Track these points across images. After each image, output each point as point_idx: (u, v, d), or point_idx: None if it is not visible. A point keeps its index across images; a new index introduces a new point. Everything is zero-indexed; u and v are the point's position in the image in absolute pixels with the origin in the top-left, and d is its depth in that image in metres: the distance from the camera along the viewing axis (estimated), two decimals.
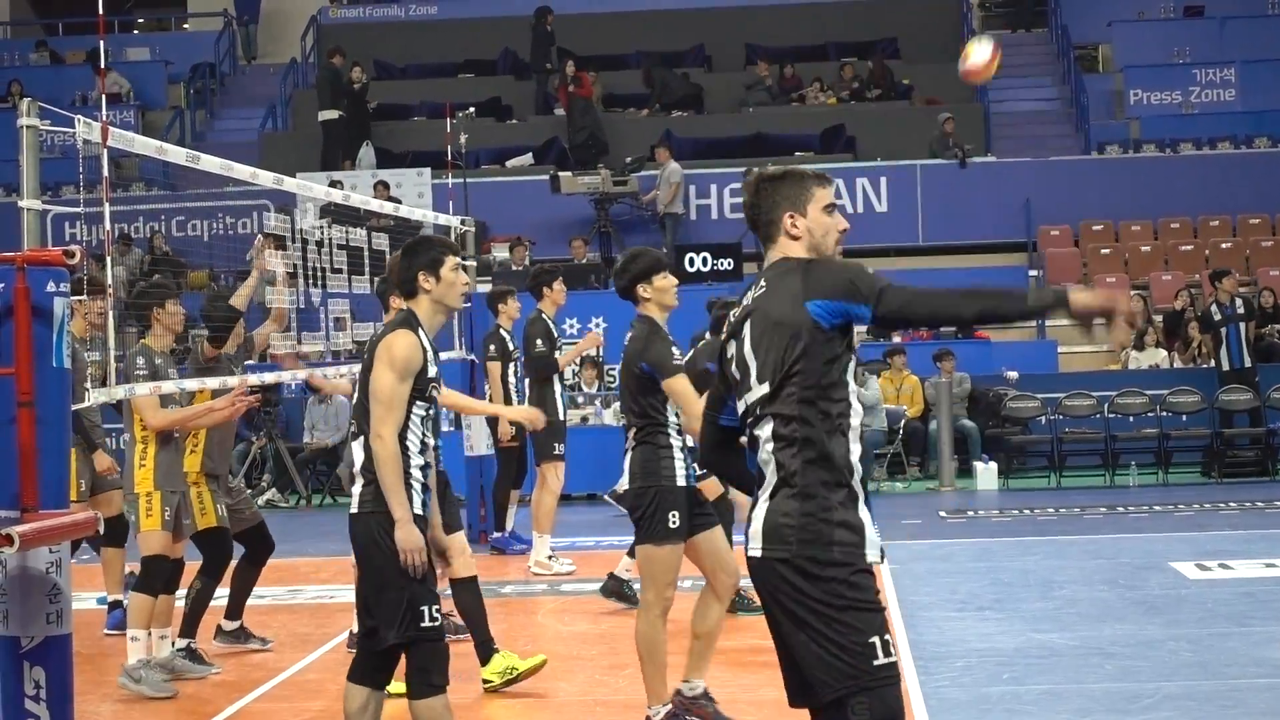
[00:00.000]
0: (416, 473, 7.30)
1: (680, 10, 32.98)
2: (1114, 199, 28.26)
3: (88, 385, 8.78)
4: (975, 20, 35.27)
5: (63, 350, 7.20)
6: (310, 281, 12.94)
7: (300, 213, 13.47)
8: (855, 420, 5.48)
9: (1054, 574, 14.14)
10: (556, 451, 15.03)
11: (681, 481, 8.92)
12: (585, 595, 13.42)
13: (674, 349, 8.88)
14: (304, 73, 35.01)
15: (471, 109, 27.11)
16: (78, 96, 32.48)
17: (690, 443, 8.91)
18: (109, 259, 9.21)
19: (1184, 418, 22.23)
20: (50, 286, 7.14)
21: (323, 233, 13.11)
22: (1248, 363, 22.28)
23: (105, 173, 8.82)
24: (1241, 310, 22.41)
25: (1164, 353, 24.08)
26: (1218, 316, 22.35)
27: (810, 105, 31.90)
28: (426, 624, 7.19)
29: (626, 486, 9.06)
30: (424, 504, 7.32)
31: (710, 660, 9.32)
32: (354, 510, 7.35)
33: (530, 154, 30.67)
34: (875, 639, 5.40)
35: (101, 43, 10.10)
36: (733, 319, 5.66)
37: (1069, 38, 33.09)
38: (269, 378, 13.55)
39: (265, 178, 11.52)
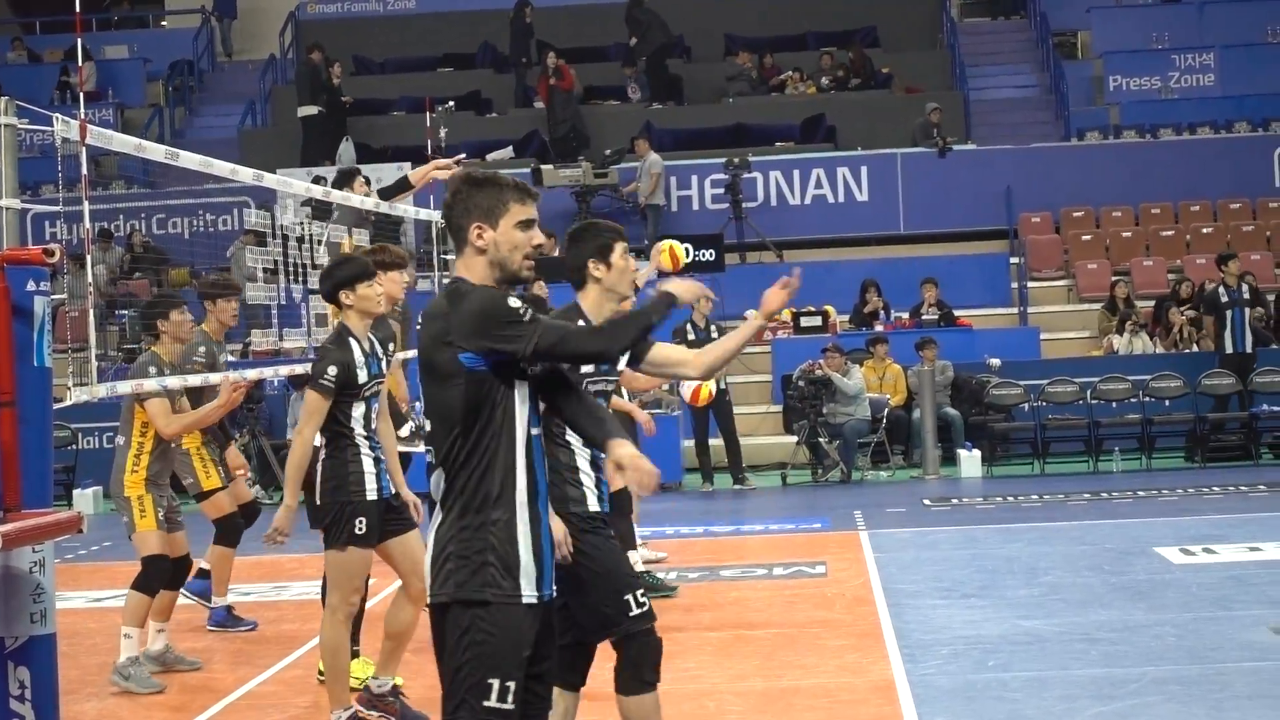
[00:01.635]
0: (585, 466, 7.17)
1: (659, 1, 32.88)
2: (1094, 185, 28.28)
3: (74, 384, 8.75)
4: (954, 8, 35.28)
5: (44, 349, 7.18)
6: (291, 278, 12.92)
7: (280, 209, 13.43)
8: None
9: (1039, 560, 14.16)
10: None
11: (373, 495, 9.00)
12: None
13: (351, 363, 8.88)
14: (282, 69, 34.96)
15: (451, 103, 27.00)
16: (55, 94, 32.42)
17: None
18: (89, 258, 9.19)
19: (1167, 403, 22.26)
20: (30, 286, 7.12)
21: (303, 228, 13.09)
22: (1249, 348, 22.31)
23: (84, 171, 8.80)
24: (1247, 295, 22.47)
25: (1146, 338, 24.11)
26: (1225, 299, 22.37)
27: (790, 95, 31.91)
28: (635, 613, 7.00)
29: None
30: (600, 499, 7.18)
31: (400, 659, 9.38)
32: None
33: (510, 147, 30.65)
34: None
35: (79, 40, 10.08)
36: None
37: (1048, 25, 33.11)
38: (251, 374, 13.51)
39: (245, 174, 11.50)
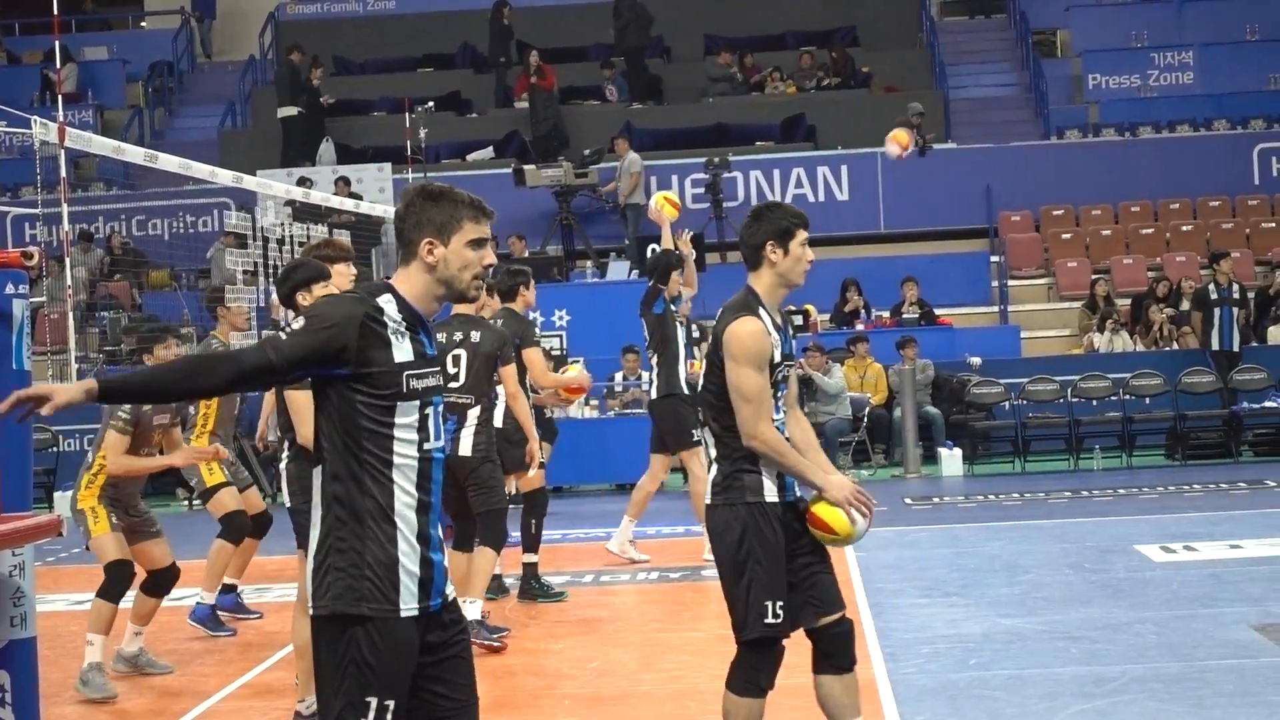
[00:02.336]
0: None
1: (639, 1, 32.83)
2: (1074, 183, 28.33)
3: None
4: (933, 8, 35.32)
5: (23, 352, 7.16)
6: (271, 279, 12.93)
7: (261, 210, 13.45)
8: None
9: (1019, 559, 14.18)
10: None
11: None
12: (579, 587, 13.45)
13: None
14: (262, 70, 34.91)
15: (431, 104, 27.09)
16: (35, 96, 32.35)
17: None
18: (68, 260, 9.19)
19: (1147, 401, 22.30)
20: (9, 289, 7.10)
21: (283, 229, 13.11)
22: (1236, 346, 22.36)
23: (63, 173, 8.79)
24: (1237, 295, 22.52)
25: (1126, 336, 24.15)
26: (1214, 296, 22.42)
27: (770, 95, 31.93)
28: (770, 621, 6.90)
29: None
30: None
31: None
32: (707, 502, 7.08)
33: (490, 148, 30.64)
34: None
35: (57, 42, 10.06)
36: None
37: (1027, 23, 33.18)
38: None
39: (225, 175, 11.52)
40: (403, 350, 5.22)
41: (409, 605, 5.19)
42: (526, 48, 31.60)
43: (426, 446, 5.29)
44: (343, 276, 9.42)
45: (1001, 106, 32.44)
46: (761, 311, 7.00)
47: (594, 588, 13.48)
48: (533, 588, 13.17)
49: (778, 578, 6.91)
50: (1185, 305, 24.11)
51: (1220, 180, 28.29)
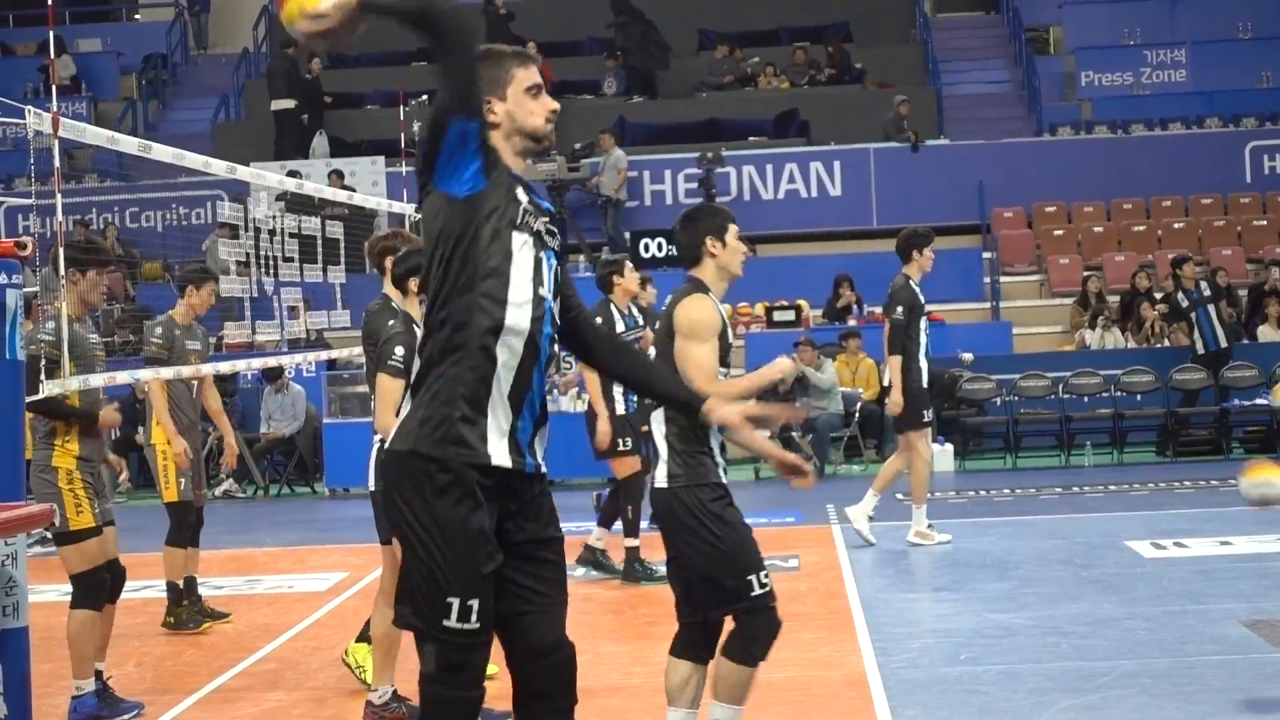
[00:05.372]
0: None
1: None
2: (1066, 180, 28.35)
3: (46, 377, 8.75)
4: (927, 4, 35.34)
5: (15, 342, 7.17)
6: (263, 270, 12.92)
7: (254, 202, 13.43)
8: None
9: (1010, 554, 14.20)
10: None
11: None
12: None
13: (413, 345, 9.05)
14: (256, 62, 34.87)
15: (425, 97, 27.04)
16: (29, 88, 32.31)
17: None
18: (61, 250, 9.17)
19: (1139, 397, 22.33)
20: (2, 279, 7.10)
21: (276, 222, 13.09)
22: (1223, 343, 22.34)
23: (57, 164, 8.78)
24: (1208, 293, 22.51)
25: (1118, 333, 24.17)
26: (1185, 303, 22.43)
27: (763, 90, 31.93)
28: (757, 592, 7.08)
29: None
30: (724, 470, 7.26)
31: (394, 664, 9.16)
32: (659, 485, 7.23)
33: None
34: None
35: (51, 33, 10.03)
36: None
37: (1020, 20, 33.19)
38: (224, 367, 13.50)
39: (218, 167, 11.50)
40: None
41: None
42: (520, 41, 31.60)
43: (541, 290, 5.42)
44: None
45: (994, 103, 32.46)
46: (710, 294, 7.34)
47: (585, 581, 13.49)
48: (636, 571, 13.42)
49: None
50: (1160, 308, 23.96)
51: (1212, 178, 28.32)
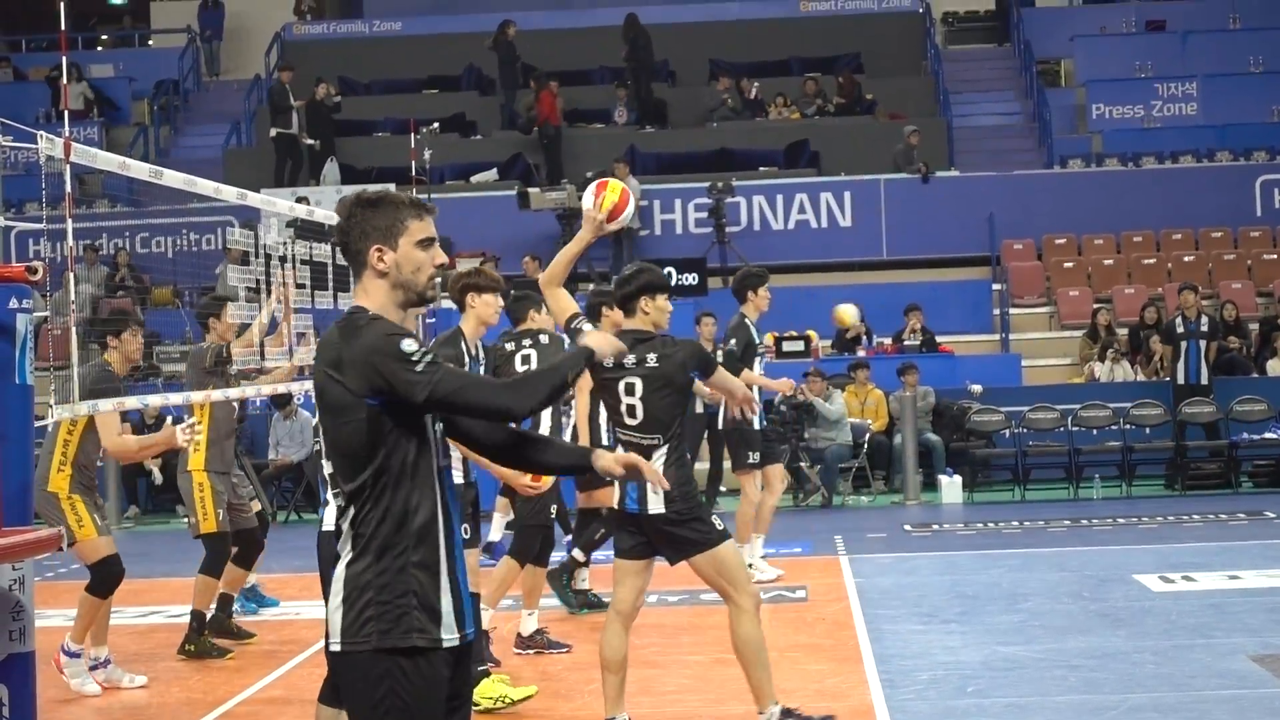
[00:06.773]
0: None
1: (644, 26, 32.90)
2: (1076, 213, 28.36)
3: (56, 401, 8.77)
4: (938, 35, 35.40)
5: (26, 367, 7.18)
6: (275, 298, 12.91)
7: (264, 228, 13.42)
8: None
9: (1018, 587, 14.17)
10: (750, 460, 14.80)
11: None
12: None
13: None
14: (267, 89, 34.97)
15: (436, 124, 27.10)
16: (41, 114, 32.43)
17: None
18: (73, 276, 9.18)
19: (1147, 430, 22.29)
20: (13, 303, 7.12)
21: (286, 248, 13.09)
22: (1204, 380, 22.36)
23: (68, 189, 8.79)
24: (1205, 329, 22.49)
25: (1127, 366, 24.15)
26: (1180, 330, 22.44)
27: (774, 120, 31.98)
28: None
29: None
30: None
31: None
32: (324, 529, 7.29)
33: (495, 169, 30.68)
34: None
35: (64, 59, 10.07)
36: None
37: (1031, 53, 33.24)
38: (234, 394, 13.50)
39: (229, 193, 11.51)
40: None
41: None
42: (532, 70, 31.68)
43: (442, 462, 5.38)
44: (489, 307, 9.74)
45: (1005, 135, 32.50)
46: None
47: (590, 610, 13.45)
48: (565, 586, 13.60)
49: None
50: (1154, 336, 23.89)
51: (1222, 211, 28.33)
